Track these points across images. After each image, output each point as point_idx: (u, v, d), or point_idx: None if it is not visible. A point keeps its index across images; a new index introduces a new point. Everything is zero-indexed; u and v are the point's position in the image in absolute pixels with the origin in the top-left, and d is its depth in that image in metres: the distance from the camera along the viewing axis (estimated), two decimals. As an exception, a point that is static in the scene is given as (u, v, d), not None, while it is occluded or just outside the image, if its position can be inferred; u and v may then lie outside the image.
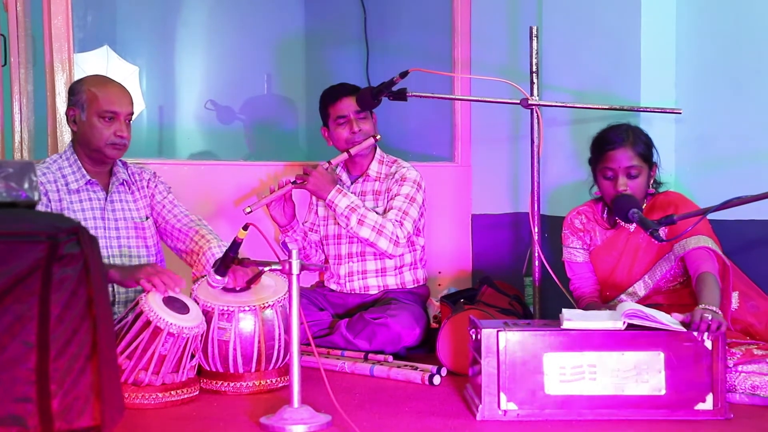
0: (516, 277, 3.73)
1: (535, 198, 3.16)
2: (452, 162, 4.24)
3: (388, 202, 3.42)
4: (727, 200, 2.49)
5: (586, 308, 2.89)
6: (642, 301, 2.87)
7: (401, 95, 3.08)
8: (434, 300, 3.63)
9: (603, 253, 3.00)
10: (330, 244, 3.54)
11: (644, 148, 2.89)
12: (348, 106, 3.41)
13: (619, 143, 2.86)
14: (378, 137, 3.39)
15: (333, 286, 3.52)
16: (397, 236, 3.32)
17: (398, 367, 2.93)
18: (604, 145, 2.90)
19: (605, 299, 3.00)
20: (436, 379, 2.81)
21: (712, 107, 3.18)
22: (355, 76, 4.48)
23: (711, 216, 2.59)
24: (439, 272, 4.05)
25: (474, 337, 2.50)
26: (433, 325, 3.41)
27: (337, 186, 3.34)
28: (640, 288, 2.93)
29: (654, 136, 2.97)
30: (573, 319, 2.43)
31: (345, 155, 3.40)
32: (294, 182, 3.33)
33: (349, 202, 3.31)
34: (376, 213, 3.36)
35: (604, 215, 3.03)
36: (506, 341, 2.38)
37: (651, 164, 2.92)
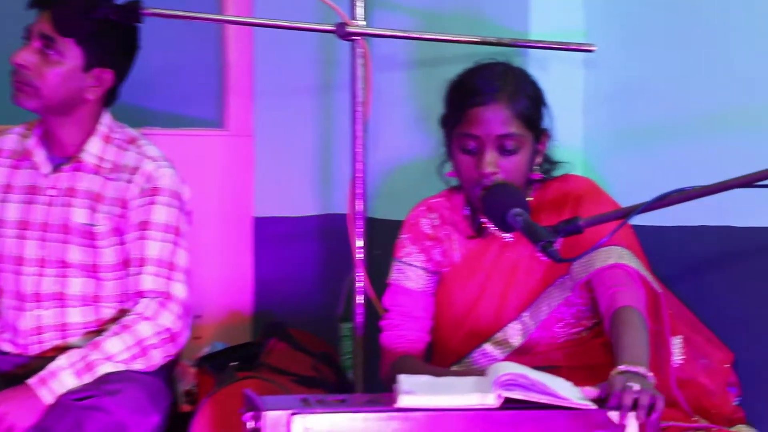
0: (326, 322, 3.79)
1: (359, 191, 3.21)
2: (221, 129, 4.31)
3: (127, 232, 3.31)
4: (663, 194, 2.54)
5: (395, 365, 2.94)
6: (520, 357, 2.90)
7: (131, 13, 3.08)
8: (187, 364, 3.65)
9: (462, 274, 3.06)
10: (5, 274, 3.44)
11: (529, 104, 2.95)
12: (37, 24, 3.32)
13: (489, 95, 2.90)
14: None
15: (7, 348, 3.45)
16: (167, 329, 3.23)
17: (122, 480, 2.91)
18: (465, 96, 2.94)
19: (457, 353, 3.04)
20: (187, 500, 2.84)
21: (643, 46, 3.31)
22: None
23: (635, 220, 2.65)
24: (198, 316, 4.03)
25: (251, 425, 2.50)
26: (184, 408, 3.42)
27: (33, 385, 3.16)
28: (515, 333, 2.99)
29: (550, 89, 3.03)
30: (415, 391, 2.45)
31: None
32: None
33: (69, 370, 3.16)
34: (113, 335, 3.23)
35: (466, 213, 3.09)
36: (305, 431, 2.40)
37: (539, 132, 2.99)
